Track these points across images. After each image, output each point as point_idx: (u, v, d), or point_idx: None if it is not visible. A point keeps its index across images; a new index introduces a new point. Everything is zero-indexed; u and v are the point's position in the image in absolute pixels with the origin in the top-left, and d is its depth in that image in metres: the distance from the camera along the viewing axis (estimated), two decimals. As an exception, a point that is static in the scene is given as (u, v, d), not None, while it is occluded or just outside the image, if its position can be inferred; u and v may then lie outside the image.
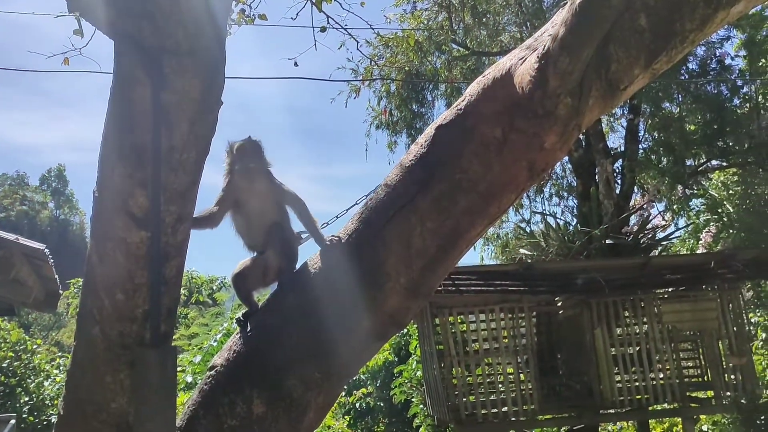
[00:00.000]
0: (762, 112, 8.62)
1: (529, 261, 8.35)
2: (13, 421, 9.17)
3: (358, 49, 7.03)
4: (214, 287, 17.36)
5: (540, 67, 2.12)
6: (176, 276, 2.01)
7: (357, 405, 10.77)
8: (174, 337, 2.32)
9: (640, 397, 6.45)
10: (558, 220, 9.90)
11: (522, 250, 9.80)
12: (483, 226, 2.41)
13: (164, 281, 1.91)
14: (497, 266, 8.85)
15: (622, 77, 2.24)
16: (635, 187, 10.04)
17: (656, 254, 8.11)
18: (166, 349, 1.70)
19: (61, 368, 13.89)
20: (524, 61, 2.23)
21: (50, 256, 4.48)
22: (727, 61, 9.28)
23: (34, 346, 14.51)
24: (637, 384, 6.48)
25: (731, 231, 8.97)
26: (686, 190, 9.39)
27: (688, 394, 6.62)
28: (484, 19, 10.53)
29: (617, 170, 9.87)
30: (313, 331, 2.35)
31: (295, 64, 6.27)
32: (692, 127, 9.40)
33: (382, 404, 10.88)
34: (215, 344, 9.26)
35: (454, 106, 2.40)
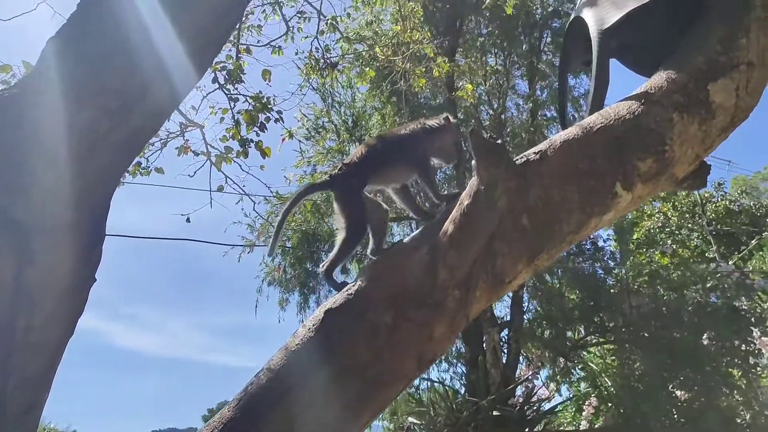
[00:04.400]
0: (633, 292, 9.31)
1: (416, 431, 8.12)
2: None
3: (254, 209, 7.09)
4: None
5: (430, 259, 2.17)
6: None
7: None
8: None
9: None
10: (447, 388, 9.83)
11: (410, 419, 9.56)
12: (368, 417, 2.30)
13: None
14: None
15: (507, 271, 2.33)
16: (521, 357, 10.28)
17: (542, 428, 8.14)
18: None
19: None
20: (416, 251, 2.27)
21: None
22: (600, 243, 10.14)
23: None
24: None
25: (610, 405, 9.23)
26: (567, 362, 9.70)
27: None
28: (380, 187, 11.00)
29: (504, 339, 10.11)
30: None
31: (188, 220, 6.21)
32: (572, 301, 9.93)
33: None
34: None
35: (344, 290, 2.37)
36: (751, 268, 13.11)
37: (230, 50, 6.17)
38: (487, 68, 11.60)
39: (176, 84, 2.19)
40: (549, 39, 11.71)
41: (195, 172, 6.08)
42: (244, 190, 6.49)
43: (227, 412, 2.26)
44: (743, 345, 8.98)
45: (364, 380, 2.22)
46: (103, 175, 1.80)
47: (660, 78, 2.27)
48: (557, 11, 11.46)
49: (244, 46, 6.26)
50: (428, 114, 10.90)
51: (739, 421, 8.65)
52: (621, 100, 2.34)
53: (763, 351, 9.52)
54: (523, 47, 11.62)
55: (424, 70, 7.39)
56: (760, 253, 15.08)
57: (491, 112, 11.78)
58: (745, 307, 9.35)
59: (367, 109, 11.68)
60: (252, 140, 6.00)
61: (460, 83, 10.00)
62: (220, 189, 6.04)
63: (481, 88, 11.41)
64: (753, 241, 14.29)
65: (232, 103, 6.06)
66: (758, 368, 9.45)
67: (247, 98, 6.08)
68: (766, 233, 14.71)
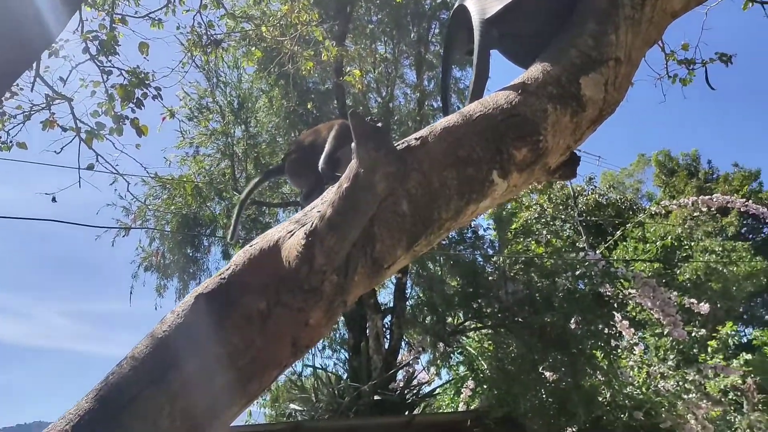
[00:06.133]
0: (509, 279, 9.74)
1: (299, 419, 8.07)
2: None
3: (128, 190, 6.70)
4: None
5: (307, 244, 2.10)
6: None
7: None
8: None
9: None
10: (329, 374, 9.86)
11: (292, 405, 9.50)
12: (241, 405, 2.21)
13: None
14: (265, 426, 8.42)
15: (386, 257, 2.31)
16: (403, 343, 10.47)
17: (420, 411, 8.34)
18: None
19: None
20: (292, 234, 2.20)
21: None
22: (480, 231, 10.52)
23: None
24: None
25: (485, 387, 9.62)
26: (447, 347, 9.99)
27: None
28: (266, 171, 10.77)
29: (386, 326, 10.25)
30: None
31: (53, 199, 5.75)
32: (452, 287, 10.23)
33: None
34: None
35: (217, 274, 2.26)
36: (615, 257, 14.11)
37: (104, 19, 5.76)
38: (377, 56, 11.64)
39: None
40: (437, 30, 11.92)
41: (62, 149, 5.64)
42: (117, 170, 6.11)
43: (85, 403, 2.09)
44: (606, 329, 9.66)
45: (236, 368, 2.13)
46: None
47: (536, 69, 2.33)
48: (445, 2, 11.68)
49: (119, 16, 5.87)
50: (316, 99, 10.78)
51: (600, 399, 9.31)
52: (499, 90, 2.38)
53: (624, 334, 10.29)
54: (412, 36, 11.76)
55: (312, 53, 7.27)
56: (624, 243, 16.28)
57: (379, 100, 11.85)
58: (609, 293, 10.05)
59: (253, 91, 11.38)
60: (127, 117, 5.64)
61: (349, 69, 9.96)
62: (90, 167, 5.63)
63: (370, 75, 11.44)
64: (618, 233, 15.38)
65: (105, 76, 5.67)
66: (619, 350, 10.20)
67: (122, 72, 5.70)
68: (629, 225, 15.89)
